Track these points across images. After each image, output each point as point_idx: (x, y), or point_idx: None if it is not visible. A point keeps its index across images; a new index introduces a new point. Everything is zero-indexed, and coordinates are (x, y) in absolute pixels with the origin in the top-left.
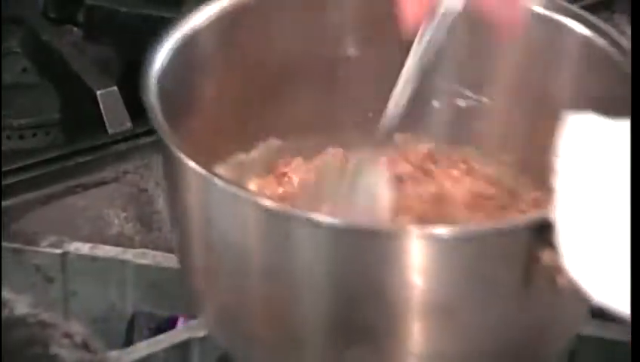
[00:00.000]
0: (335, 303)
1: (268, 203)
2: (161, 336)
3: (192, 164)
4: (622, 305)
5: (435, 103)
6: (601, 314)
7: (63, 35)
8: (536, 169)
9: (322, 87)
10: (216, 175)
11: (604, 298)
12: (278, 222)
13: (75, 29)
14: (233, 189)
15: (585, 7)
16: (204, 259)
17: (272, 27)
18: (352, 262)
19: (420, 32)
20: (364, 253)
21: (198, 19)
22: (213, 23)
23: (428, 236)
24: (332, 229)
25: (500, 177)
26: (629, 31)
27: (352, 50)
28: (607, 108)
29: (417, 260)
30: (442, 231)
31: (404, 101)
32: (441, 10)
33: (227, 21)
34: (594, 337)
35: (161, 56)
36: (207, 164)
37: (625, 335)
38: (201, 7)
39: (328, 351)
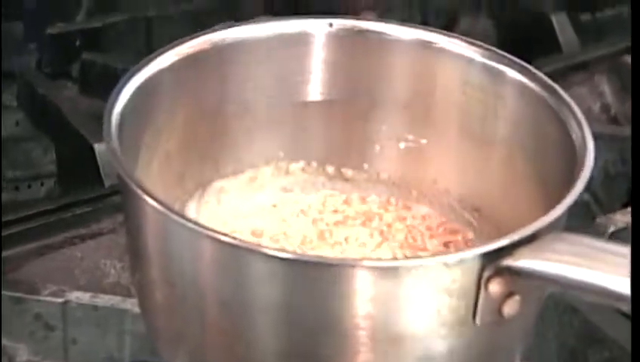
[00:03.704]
0: (288, 336)
1: (222, 236)
2: None
3: (150, 200)
4: None
5: (377, 147)
6: None
7: (59, 89)
8: (476, 207)
9: (282, 132)
10: (173, 211)
11: None
12: (231, 255)
13: (70, 83)
14: (190, 224)
15: (565, 68)
16: (165, 297)
17: (231, 72)
18: (302, 294)
19: None
20: (314, 284)
21: (160, 62)
22: (175, 66)
23: (375, 268)
24: (283, 262)
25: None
26: (607, 90)
27: (313, 96)
28: (539, 145)
29: (365, 291)
30: (388, 262)
31: None
32: None
33: (188, 64)
34: None
35: (123, 98)
36: (167, 204)
37: None
38: (163, 50)
39: None
